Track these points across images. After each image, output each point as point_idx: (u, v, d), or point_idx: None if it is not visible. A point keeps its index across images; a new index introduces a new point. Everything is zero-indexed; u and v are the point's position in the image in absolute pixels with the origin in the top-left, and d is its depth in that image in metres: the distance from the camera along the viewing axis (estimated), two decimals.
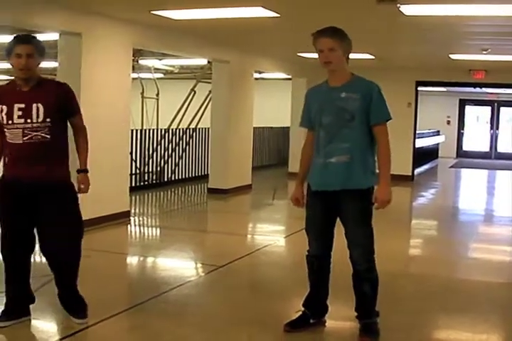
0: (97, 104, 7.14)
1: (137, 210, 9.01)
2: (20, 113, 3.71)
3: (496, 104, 21.14)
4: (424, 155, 16.43)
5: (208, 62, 12.07)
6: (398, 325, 4.07)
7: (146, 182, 11.26)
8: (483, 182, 15.50)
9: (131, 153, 9.64)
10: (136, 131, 10.91)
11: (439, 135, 19.62)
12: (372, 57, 10.55)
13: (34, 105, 3.71)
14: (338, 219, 3.83)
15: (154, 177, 11.54)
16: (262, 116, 14.08)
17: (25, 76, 3.73)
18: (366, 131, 3.70)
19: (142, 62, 13.05)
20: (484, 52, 9.26)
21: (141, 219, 8.49)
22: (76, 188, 3.93)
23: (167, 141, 11.93)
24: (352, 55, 3.79)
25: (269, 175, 14.09)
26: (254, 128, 11.83)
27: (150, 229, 8.20)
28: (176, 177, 11.97)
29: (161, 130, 12.04)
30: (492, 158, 20.82)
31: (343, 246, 3.79)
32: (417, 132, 13.98)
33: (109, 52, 7.42)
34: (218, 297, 4.81)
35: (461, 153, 21.36)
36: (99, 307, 4.18)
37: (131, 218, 8.07)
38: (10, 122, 3.72)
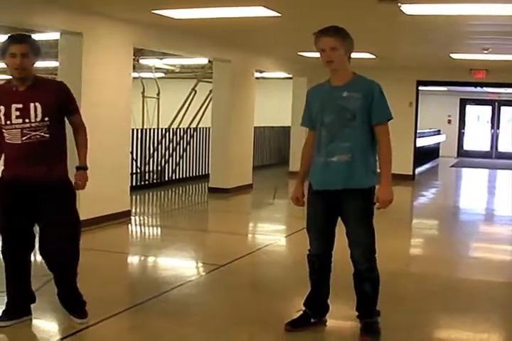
0: (98, 103, 7.14)
1: (138, 210, 9.01)
2: (18, 113, 3.70)
3: (496, 104, 21.13)
4: (425, 155, 16.42)
5: (209, 61, 12.07)
6: (399, 324, 4.07)
7: (147, 182, 11.26)
8: (484, 181, 15.49)
9: (131, 153, 9.65)
10: (137, 130, 10.91)
11: (439, 134, 19.61)
12: (374, 56, 10.55)
13: (32, 105, 3.70)
14: (339, 219, 3.83)
15: (155, 176, 11.54)
16: (262, 116, 14.09)
17: (20, 75, 3.72)
18: (367, 131, 3.70)
19: (143, 61, 13.05)
20: (485, 51, 9.26)
21: (141, 218, 8.49)
22: (73, 184, 3.94)
23: (168, 140, 11.92)
24: (353, 55, 3.79)
25: (270, 174, 14.08)
26: (255, 127, 11.82)
27: (151, 228, 8.20)
28: (177, 177, 11.96)
29: (162, 129, 12.03)
30: (493, 158, 20.81)
31: (344, 246, 3.78)
32: (418, 131, 13.97)
33: (109, 51, 7.42)
34: (219, 296, 4.81)
35: (461, 152, 21.36)
36: (100, 306, 4.18)
37: (132, 217, 8.07)
38: (8, 122, 3.71)
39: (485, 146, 21.36)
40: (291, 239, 7.12)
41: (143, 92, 14.11)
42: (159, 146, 11.69)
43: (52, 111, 3.74)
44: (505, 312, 4.55)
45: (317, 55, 3.77)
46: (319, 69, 3.96)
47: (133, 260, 6.31)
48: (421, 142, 14.98)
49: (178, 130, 12.27)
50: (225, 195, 10.35)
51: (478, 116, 21.77)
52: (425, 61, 11.45)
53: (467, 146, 21.51)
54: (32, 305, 3.99)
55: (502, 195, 12.47)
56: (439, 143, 19.67)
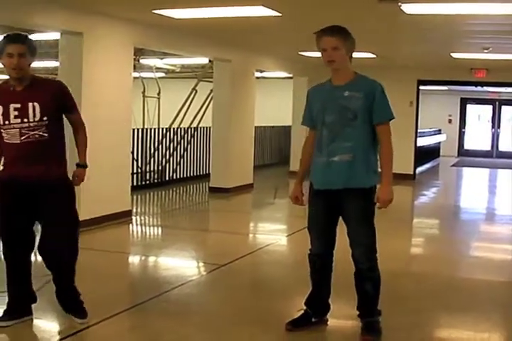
0: (98, 103, 7.14)
1: (139, 209, 9.01)
2: (16, 113, 3.70)
3: (497, 103, 21.12)
4: (426, 154, 16.41)
5: (210, 61, 12.07)
6: (400, 323, 4.07)
7: (148, 182, 11.26)
8: (485, 180, 15.49)
9: (132, 153, 9.64)
10: (138, 130, 10.90)
11: (440, 134, 19.60)
12: (374, 56, 10.54)
13: (30, 104, 3.70)
14: (340, 218, 3.83)
15: (156, 176, 11.54)
16: (263, 115, 14.10)
17: (17, 75, 3.71)
18: (369, 130, 3.70)
19: (143, 61, 13.05)
20: (485, 50, 9.25)
21: (142, 218, 8.50)
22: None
23: (168, 140, 11.93)
24: (353, 54, 3.79)
25: (271, 174, 14.08)
26: (255, 127, 11.82)
27: (151, 228, 8.20)
28: (178, 177, 11.96)
29: (163, 129, 12.03)
30: (493, 157, 20.80)
31: (345, 245, 3.79)
32: (419, 131, 13.96)
33: (110, 51, 7.42)
34: (220, 296, 4.81)
35: (462, 151, 21.35)
36: (101, 306, 4.18)
37: (133, 217, 8.07)
38: (6, 122, 3.71)
39: (485, 146, 21.36)
40: (292, 239, 7.12)
41: (143, 92, 14.11)
42: (160, 146, 11.69)
43: (50, 111, 3.74)
44: (506, 312, 4.54)
45: (318, 54, 3.77)
46: (320, 68, 3.96)
47: (134, 260, 6.32)
48: (421, 141, 14.97)
49: (179, 130, 12.27)
50: (226, 195, 10.35)
51: (478, 116, 21.76)
52: (426, 60, 11.45)
53: (468, 146, 21.51)
54: (33, 305, 4.00)
55: (503, 194, 12.46)
56: (439, 143, 19.66)
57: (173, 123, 12.69)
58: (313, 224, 3.88)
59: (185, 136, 12.32)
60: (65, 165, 3.90)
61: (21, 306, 3.94)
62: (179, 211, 9.51)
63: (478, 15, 6.43)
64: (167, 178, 11.71)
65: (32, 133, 3.71)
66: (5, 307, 3.93)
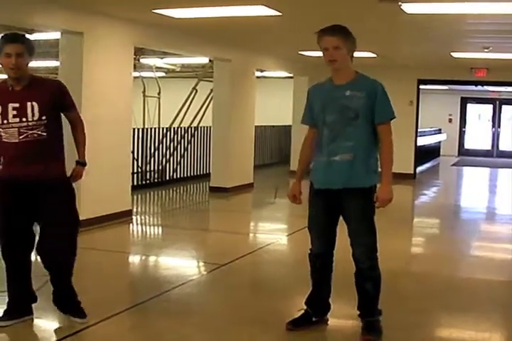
0: (99, 103, 7.14)
1: (139, 209, 9.00)
2: (14, 112, 3.70)
3: (497, 102, 21.12)
4: (426, 154, 16.41)
5: (210, 60, 12.07)
6: (400, 323, 4.07)
7: (148, 181, 11.26)
8: (485, 180, 15.49)
9: (132, 152, 9.64)
10: (138, 129, 10.89)
11: (440, 133, 19.60)
12: (374, 55, 10.54)
13: (29, 104, 3.70)
14: (341, 218, 3.83)
15: (156, 176, 11.54)
16: (263, 115, 14.09)
17: (15, 75, 3.71)
18: (370, 130, 3.70)
19: (144, 60, 13.05)
20: (486, 50, 9.25)
21: (143, 218, 8.50)
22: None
23: (169, 139, 11.93)
24: (354, 53, 3.79)
25: (271, 173, 14.08)
26: (255, 126, 11.81)
27: (152, 227, 8.20)
28: (178, 176, 11.96)
29: (163, 129, 12.03)
30: (494, 156, 20.80)
31: (346, 245, 3.78)
32: (419, 130, 13.96)
33: (110, 51, 7.41)
34: (220, 296, 4.81)
35: (462, 151, 21.35)
36: (101, 306, 4.19)
37: (133, 217, 8.06)
38: (5, 122, 3.71)
39: (486, 145, 21.35)
40: (292, 238, 7.12)
41: (144, 92, 14.11)
42: (160, 146, 11.69)
43: (48, 110, 3.75)
44: (507, 312, 4.54)
45: (318, 54, 3.76)
46: (320, 68, 3.96)
47: (134, 259, 6.31)
48: (422, 141, 14.96)
49: (179, 129, 12.27)
50: (226, 194, 10.35)
51: (479, 115, 21.75)
52: (426, 60, 11.44)
53: (468, 145, 21.51)
54: (33, 305, 4.00)
55: (503, 193, 12.45)
56: (439, 142, 19.65)
57: (173, 122, 12.69)
58: (314, 224, 3.88)
59: (186, 135, 12.32)
60: (64, 164, 3.90)
61: (21, 306, 3.94)
62: (179, 210, 9.51)
63: (479, 14, 6.43)
64: (167, 178, 11.71)
65: (30, 132, 3.71)
66: (5, 307, 3.93)
